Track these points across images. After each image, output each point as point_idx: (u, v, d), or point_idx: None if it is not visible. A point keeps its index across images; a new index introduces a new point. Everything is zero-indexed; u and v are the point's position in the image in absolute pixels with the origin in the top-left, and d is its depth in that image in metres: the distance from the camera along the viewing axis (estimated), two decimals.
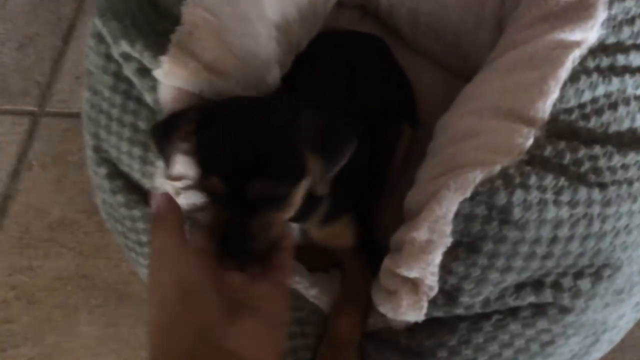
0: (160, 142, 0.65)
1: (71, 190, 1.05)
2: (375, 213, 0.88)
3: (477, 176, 0.62)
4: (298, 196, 0.63)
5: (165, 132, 0.65)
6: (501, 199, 0.60)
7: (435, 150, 0.76)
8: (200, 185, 0.64)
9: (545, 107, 0.66)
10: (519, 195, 0.60)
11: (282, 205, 0.61)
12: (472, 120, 0.72)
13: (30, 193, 1.06)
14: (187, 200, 0.75)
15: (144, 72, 0.72)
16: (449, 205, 0.62)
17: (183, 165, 0.73)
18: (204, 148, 0.62)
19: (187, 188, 0.75)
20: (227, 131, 0.61)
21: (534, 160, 0.63)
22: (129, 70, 0.74)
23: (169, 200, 0.57)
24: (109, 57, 0.76)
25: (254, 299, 0.53)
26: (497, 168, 0.62)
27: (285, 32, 0.86)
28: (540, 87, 0.67)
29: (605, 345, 0.70)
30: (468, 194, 0.61)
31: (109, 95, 0.76)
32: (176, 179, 0.75)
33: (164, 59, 0.70)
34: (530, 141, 0.64)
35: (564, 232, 0.60)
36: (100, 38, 0.76)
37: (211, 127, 0.62)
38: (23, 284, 0.97)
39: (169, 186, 0.75)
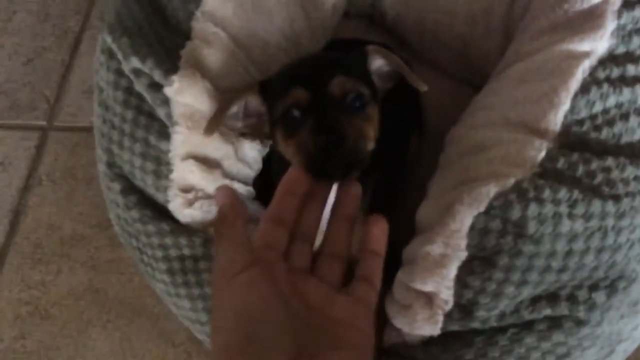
0: None
1: (81, 205, 1.05)
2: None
3: (491, 190, 0.62)
4: (375, 112, 0.64)
5: None
6: (516, 213, 0.60)
7: (446, 162, 0.76)
8: (281, 107, 0.62)
9: (557, 119, 0.66)
10: (533, 209, 0.60)
11: (365, 110, 0.62)
12: (483, 132, 0.72)
13: (41, 208, 1.06)
14: (201, 212, 0.76)
15: (155, 87, 0.73)
16: (463, 219, 0.62)
17: (193, 175, 0.74)
18: (277, 82, 0.67)
19: (199, 198, 0.76)
20: (297, 65, 0.69)
21: (547, 173, 0.63)
22: (140, 86, 0.75)
23: (235, 199, 0.48)
24: (119, 73, 0.76)
25: (335, 324, 0.44)
26: (511, 181, 0.62)
27: (294, 44, 0.87)
28: (550, 99, 0.68)
29: (620, 355, 0.70)
30: (482, 208, 0.61)
31: (121, 111, 0.76)
32: (187, 191, 0.75)
33: (175, 77, 0.71)
34: (543, 153, 0.64)
35: (578, 245, 0.60)
36: (110, 54, 0.77)
37: (276, 76, 0.69)
38: (36, 299, 0.97)
39: (180, 199, 0.75)
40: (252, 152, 0.80)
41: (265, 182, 0.81)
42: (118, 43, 0.75)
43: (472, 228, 0.62)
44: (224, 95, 0.73)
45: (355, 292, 0.47)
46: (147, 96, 0.74)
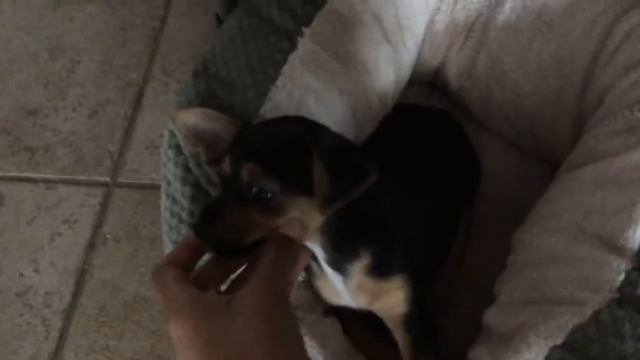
0: None
1: (144, 265, 1.08)
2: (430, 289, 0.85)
3: (569, 323, 0.60)
4: (293, 208, 0.59)
5: None
6: (594, 349, 0.58)
7: (516, 266, 0.74)
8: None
9: (636, 236, 0.64)
10: (613, 346, 0.58)
11: (269, 204, 0.57)
12: (556, 240, 0.70)
13: (105, 268, 1.09)
14: None
15: None
16: (539, 351, 0.60)
17: None
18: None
19: None
20: (248, 131, 0.66)
21: (626, 300, 0.61)
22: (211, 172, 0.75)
23: None
24: (188, 168, 0.77)
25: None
26: (588, 311, 0.61)
27: (354, 128, 0.87)
28: (629, 213, 0.65)
29: None
30: (559, 341, 0.60)
31: (188, 206, 0.78)
32: None
33: None
34: (622, 277, 0.62)
35: None
36: (179, 150, 0.78)
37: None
38: None
39: None
40: None
41: None
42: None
43: (547, 359, 0.60)
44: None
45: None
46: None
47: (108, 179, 1.18)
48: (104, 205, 1.15)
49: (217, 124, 0.70)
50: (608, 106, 0.77)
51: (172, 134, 0.79)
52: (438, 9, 0.95)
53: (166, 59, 1.30)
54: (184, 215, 0.78)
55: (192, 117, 0.70)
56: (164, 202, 0.81)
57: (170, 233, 0.80)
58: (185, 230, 0.78)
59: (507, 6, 0.89)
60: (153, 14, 1.37)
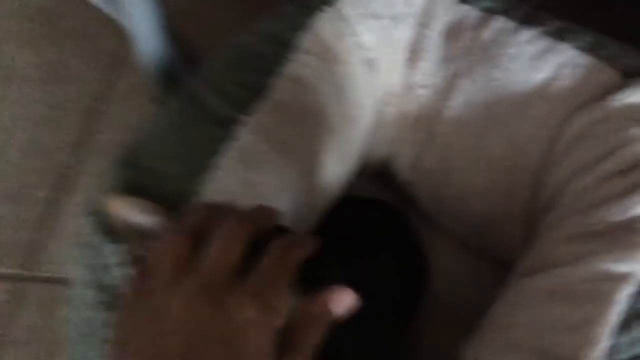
0: None
1: None
2: None
3: None
4: None
5: None
6: None
7: None
8: None
9: (594, 356, 0.59)
10: None
11: None
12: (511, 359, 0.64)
13: None
14: None
15: None
16: None
17: None
18: None
19: None
20: None
21: None
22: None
23: None
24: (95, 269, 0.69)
25: None
26: None
27: (296, 222, 0.80)
28: (586, 332, 0.60)
29: None
30: None
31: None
32: None
33: None
34: None
35: None
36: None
37: None
38: None
39: None
40: None
41: None
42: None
43: None
44: None
45: None
46: None
47: (22, 272, 1.07)
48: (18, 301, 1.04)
49: (151, 216, 0.62)
50: (559, 210, 0.73)
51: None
52: (387, 102, 0.92)
53: (102, 143, 1.23)
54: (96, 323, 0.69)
55: (123, 207, 0.62)
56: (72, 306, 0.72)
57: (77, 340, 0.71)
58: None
59: (456, 101, 0.87)
60: (93, 94, 1.30)
